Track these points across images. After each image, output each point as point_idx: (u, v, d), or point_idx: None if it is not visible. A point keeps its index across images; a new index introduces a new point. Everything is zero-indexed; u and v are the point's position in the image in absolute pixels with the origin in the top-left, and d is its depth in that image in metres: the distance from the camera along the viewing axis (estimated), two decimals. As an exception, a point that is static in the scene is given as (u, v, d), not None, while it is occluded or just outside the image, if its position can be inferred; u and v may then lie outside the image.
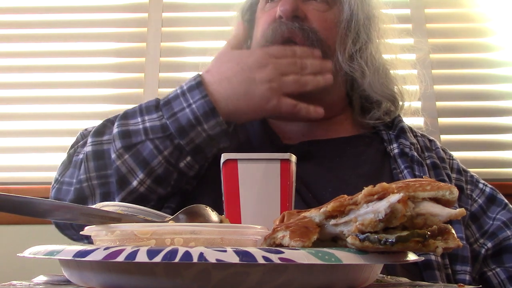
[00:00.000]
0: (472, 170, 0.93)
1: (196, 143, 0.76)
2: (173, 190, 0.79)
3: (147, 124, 0.76)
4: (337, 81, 0.89)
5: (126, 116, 0.79)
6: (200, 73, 0.80)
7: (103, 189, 0.77)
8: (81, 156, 0.80)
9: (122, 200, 0.76)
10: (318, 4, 0.88)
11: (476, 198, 0.86)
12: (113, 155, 0.76)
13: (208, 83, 0.77)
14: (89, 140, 0.79)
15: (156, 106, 0.78)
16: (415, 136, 0.92)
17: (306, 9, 0.87)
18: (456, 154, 0.96)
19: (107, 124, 0.81)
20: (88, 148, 0.78)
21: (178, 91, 0.78)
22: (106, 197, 0.78)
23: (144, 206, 0.77)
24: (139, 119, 0.78)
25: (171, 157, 0.76)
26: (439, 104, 1.50)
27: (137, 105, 0.81)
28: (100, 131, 0.80)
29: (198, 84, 0.77)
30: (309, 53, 0.83)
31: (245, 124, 0.92)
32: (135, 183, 0.76)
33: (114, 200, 0.77)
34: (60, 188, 0.81)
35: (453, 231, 0.41)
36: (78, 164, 0.80)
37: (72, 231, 0.83)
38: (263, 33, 0.88)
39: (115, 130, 0.77)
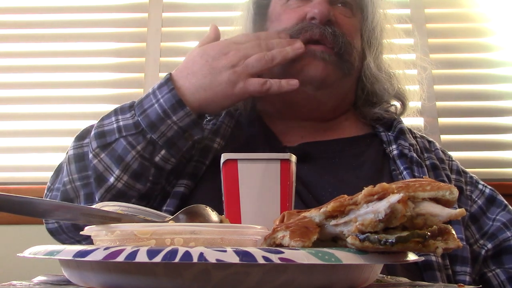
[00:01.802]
0: (472, 170, 0.93)
1: (168, 136, 0.77)
2: (153, 186, 0.80)
3: (121, 123, 0.79)
4: (353, 87, 0.91)
5: (102, 118, 0.82)
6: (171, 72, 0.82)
7: (86, 190, 0.80)
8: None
9: (101, 198, 0.78)
10: (344, 9, 0.89)
11: (476, 199, 0.86)
12: (90, 155, 0.78)
13: (176, 79, 0.79)
14: (71, 144, 0.83)
15: (130, 106, 0.81)
16: (415, 137, 0.92)
17: (335, 14, 0.87)
18: (456, 154, 0.97)
19: (90, 129, 0.83)
20: (70, 152, 0.82)
21: (150, 91, 0.80)
22: (90, 197, 0.80)
23: (126, 203, 0.78)
24: (113, 119, 0.80)
25: (144, 152, 0.77)
26: (439, 104, 1.50)
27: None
28: (81, 136, 0.83)
29: (167, 81, 0.78)
30: (274, 35, 0.84)
31: (244, 126, 0.92)
32: (111, 179, 0.77)
33: (94, 199, 0.79)
34: (51, 195, 0.84)
35: (453, 232, 0.41)
36: (63, 168, 0.83)
37: (64, 236, 0.84)
38: (288, 30, 0.87)
39: (92, 132, 0.80)
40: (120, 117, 0.80)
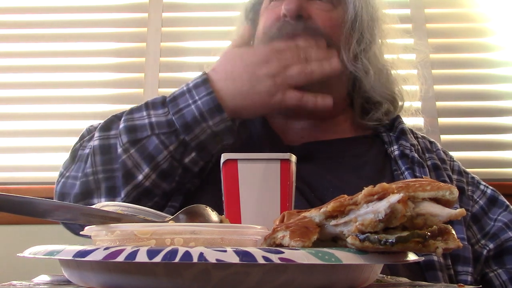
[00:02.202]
0: (472, 170, 0.93)
1: (200, 139, 0.76)
2: (177, 186, 0.80)
3: (153, 119, 0.77)
4: (340, 81, 0.89)
5: (132, 111, 0.80)
6: (206, 71, 0.80)
7: (109, 183, 0.78)
8: (87, 150, 0.81)
9: (127, 194, 0.76)
10: (322, 4, 0.88)
11: (477, 199, 0.86)
12: (119, 150, 0.76)
13: (214, 80, 0.78)
14: (96, 134, 0.80)
15: (163, 102, 0.79)
16: (416, 137, 0.92)
17: (310, 9, 0.87)
18: (456, 154, 0.96)
19: (114, 119, 0.82)
20: (95, 142, 0.79)
21: (184, 88, 0.79)
22: (112, 191, 0.78)
23: (149, 201, 0.78)
24: (145, 113, 0.78)
25: (176, 153, 0.76)
26: (439, 104, 1.50)
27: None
28: (107, 126, 0.81)
29: (204, 81, 0.77)
30: (313, 43, 0.82)
31: (247, 124, 0.92)
32: (140, 177, 0.76)
33: (119, 194, 0.77)
34: (66, 182, 0.81)
35: (453, 232, 0.41)
36: (84, 158, 0.80)
37: (77, 225, 0.83)
38: (266, 30, 0.88)
39: (122, 125, 0.78)
40: (152, 112, 0.78)
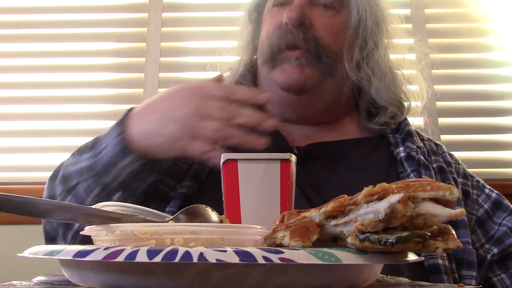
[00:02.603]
0: (472, 170, 0.93)
1: (120, 180, 0.75)
2: None
3: (82, 165, 0.78)
4: (342, 88, 0.89)
5: (70, 156, 0.82)
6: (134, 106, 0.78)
7: (62, 229, 0.80)
8: None
9: (71, 242, 0.79)
10: (325, 10, 0.88)
11: (482, 203, 0.86)
12: (58, 199, 0.79)
13: (132, 117, 0.75)
14: (46, 184, 0.84)
15: (92, 144, 0.79)
16: (422, 139, 0.92)
17: (313, 16, 0.86)
18: (456, 154, 0.96)
19: (61, 166, 0.84)
20: (44, 193, 0.83)
21: (113, 125, 0.77)
22: (66, 236, 0.80)
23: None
24: (77, 159, 0.79)
25: (99, 197, 0.76)
26: (439, 104, 1.50)
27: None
28: (53, 175, 0.84)
29: (122, 119, 0.75)
30: (251, 97, 0.73)
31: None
32: (76, 225, 0.78)
33: (68, 241, 0.80)
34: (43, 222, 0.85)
35: (453, 232, 0.41)
36: None
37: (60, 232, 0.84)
38: (268, 37, 0.88)
39: (60, 173, 0.81)
40: (83, 156, 0.78)
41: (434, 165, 0.86)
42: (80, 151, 0.80)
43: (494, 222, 0.84)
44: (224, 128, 0.70)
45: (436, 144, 0.94)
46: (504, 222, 0.83)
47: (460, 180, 0.87)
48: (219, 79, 0.79)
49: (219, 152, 0.67)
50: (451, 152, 0.94)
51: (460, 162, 0.92)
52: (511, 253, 0.81)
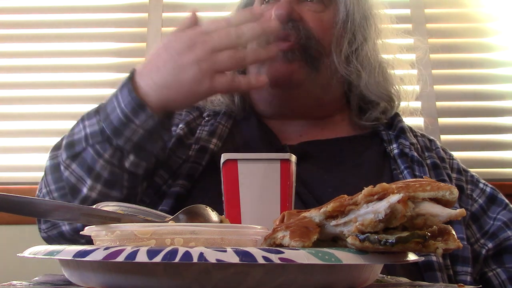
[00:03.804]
0: (472, 170, 0.93)
1: (134, 141, 0.74)
2: (130, 192, 0.78)
3: (88, 130, 0.77)
4: (331, 82, 0.89)
5: (73, 127, 0.81)
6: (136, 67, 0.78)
7: (64, 200, 0.78)
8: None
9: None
10: (313, 5, 0.88)
11: (477, 198, 0.86)
12: (62, 167, 0.78)
13: (139, 76, 0.74)
14: (48, 155, 0.82)
15: (96, 110, 0.78)
16: (415, 136, 0.92)
17: (301, 10, 0.86)
18: (456, 154, 0.96)
19: (64, 136, 0.83)
20: (47, 163, 0.81)
21: (115, 90, 0.78)
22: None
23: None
24: (81, 126, 0.78)
25: (113, 159, 0.75)
26: (439, 104, 1.50)
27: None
28: (57, 145, 0.83)
29: (128, 80, 0.75)
30: (247, 17, 0.75)
31: (241, 126, 0.91)
32: (85, 190, 0.76)
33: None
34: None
35: (453, 232, 0.41)
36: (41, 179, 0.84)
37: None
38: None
39: (63, 142, 0.80)
40: (86, 123, 0.77)
41: (428, 161, 0.86)
42: (83, 119, 0.79)
43: (489, 216, 0.84)
44: (237, 52, 0.73)
45: (430, 140, 0.94)
46: (498, 216, 0.83)
47: (454, 175, 0.87)
48: (193, 16, 0.77)
49: (243, 78, 0.73)
50: (445, 147, 0.94)
51: (454, 157, 0.92)
52: (506, 247, 0.81)
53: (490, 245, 0.81)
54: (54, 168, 0.80)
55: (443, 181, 0.83)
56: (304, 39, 0.84)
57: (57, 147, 0.82)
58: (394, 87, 0.94)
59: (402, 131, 0.89)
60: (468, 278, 0.75)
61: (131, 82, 0.74)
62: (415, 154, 0.85)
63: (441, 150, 0.91)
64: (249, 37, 0.74)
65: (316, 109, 0.91)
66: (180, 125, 0.90)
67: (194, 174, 0.82)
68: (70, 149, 0.77)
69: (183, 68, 0.72)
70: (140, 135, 0.74)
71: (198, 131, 0.89)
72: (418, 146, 0.89)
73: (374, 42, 0.93)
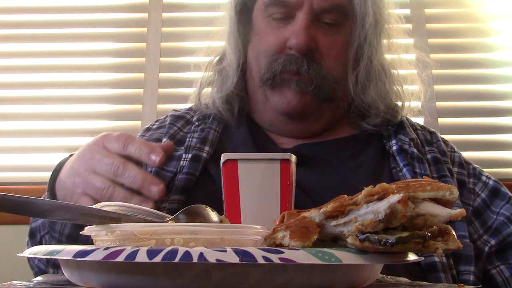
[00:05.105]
0: (472, 170, 0.93)
1: (66, 234, 0.74)
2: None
3: (38, 222, 0.81)
4: (342, 106, 0.89)
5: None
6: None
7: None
8: None
9: None
10: (329, 28, 0.85)
11: (479, 192, 0.85)
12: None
13: (64, 165, 0.73)
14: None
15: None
16: (415, 129, 0.91)
17: (317, 36, 0.83)
18: (456, 154, 0.96)
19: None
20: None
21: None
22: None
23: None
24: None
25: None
26: (439, 104, 1.50)
27: None
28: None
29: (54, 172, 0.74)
30: (146, 157, 0.66)
31: (233, 129, 0.90)
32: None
33: None
34: None
35: (453, 232, 0.41)
36: None
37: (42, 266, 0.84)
38: (267, 55, 0.85)
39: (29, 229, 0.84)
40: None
41: (428, 156, 0.84)
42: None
43: (492, 211, 0.82)
44: (108, 187, 0.65)
45: (431, 132, 0.92)
46: (501, 211, 0.82)
47: (455, 169, 0.86)
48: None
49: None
50: (446, 140, 0.93)
51: (456, 149, 0.91)
52: (510, 244, 0.79)
53: (492, 242, 0.80)
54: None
55: (444, 176, 0.81)
56: (317, 80, 0.82)
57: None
58: (399, 96, 0.93)
59: (401, 126, 0.88)
60: (471, 277, 0.74)
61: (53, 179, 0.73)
62: (415, 150, 0.83)
63: (442, 143, 0.90)
64: (125, 183, 0.65)
65: (321, 127, 0.90)
66: (164, 139, 0.88)
67: (189, 186, 0.80)
68: (32, 239, 0.82)
69: (69, 174, 0.69)
70: (69, 229, 0.74)
71: (187, 139, 0.87)
72: (418, 140, 0.87)
73: (381, 51, 0.91)
